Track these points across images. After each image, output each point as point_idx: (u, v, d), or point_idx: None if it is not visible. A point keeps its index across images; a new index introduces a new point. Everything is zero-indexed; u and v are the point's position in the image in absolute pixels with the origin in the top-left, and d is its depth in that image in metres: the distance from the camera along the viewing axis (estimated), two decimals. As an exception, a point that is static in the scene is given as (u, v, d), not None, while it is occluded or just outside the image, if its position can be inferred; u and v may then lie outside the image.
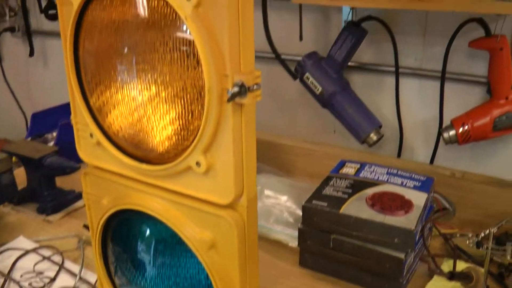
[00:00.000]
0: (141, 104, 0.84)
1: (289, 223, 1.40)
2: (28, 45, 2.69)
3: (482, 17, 1.46)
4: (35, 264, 1.31)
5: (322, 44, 1.82)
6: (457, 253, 1.26)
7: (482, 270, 1.15)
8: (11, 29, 2.73)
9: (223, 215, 0.84)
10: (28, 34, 2.68)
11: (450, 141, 1.52)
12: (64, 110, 2.02)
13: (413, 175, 1.37)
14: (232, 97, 0.72)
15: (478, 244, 1.25)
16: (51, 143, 1.93)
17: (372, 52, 1.75)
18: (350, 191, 1.29)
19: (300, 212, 1.30)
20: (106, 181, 0.99)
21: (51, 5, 2.52)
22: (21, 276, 1.27)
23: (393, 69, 1.68)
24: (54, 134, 1.99)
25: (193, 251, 0.87)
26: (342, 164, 1.45)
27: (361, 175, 1.37)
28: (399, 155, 1.76)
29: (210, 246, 0.86)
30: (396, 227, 1.15)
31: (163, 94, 0.80)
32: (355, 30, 1.60)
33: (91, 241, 1.05)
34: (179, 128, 0.82)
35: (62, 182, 1.61)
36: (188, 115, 0.79)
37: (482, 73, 1.58)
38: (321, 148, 1.67)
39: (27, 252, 1.35)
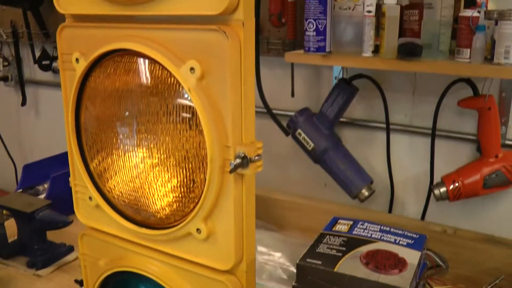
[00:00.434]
0: (142, 172, 0.85)
1: (283, 280, 1.40)
2: (20, 95, 2.71)
3: (470, 78, 1.50)
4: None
5: (313, 99, 1.85)
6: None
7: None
8: (4, 79, 2.75)
9: (222, 280, 0.84)
10: (21, 83, 2.70)
11: (441, 198, 1.54)
12: (56, 161, 2.02)
13: (405, 233, 1.38)
14: (235, 168, 0.74)
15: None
16: (43, 195, 1.93)
17: (363, 108, 1.78)
18: (344, 249, 1.29)
19: (293, 269, 1.30)
20: (103, 242, 0.99)
21: (45, 55, 2.55)
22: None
23: (384, 125, 1.71)
24: (46, 185, 1.99)
25: (192, 316, 0.87)
26: (335, 221, 1.46)
27: (354, 232, 1.38)
28: (390, 210, 1.77)
29: (209, 312, 0.86)
30: (391, 286, 1.16)
31: (165, 163, 0.82)
32: (346, 88, 1.64)
33: (86, 302, 1.04)
34: (180, 196, 0.83)
35: (53, 234, 1.60)
36: (190, 184, 0.81)
37: (471, 131, 1.61)
38: (313, 203, 1.68)
39: (17, 309, 1.34)
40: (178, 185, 0.82)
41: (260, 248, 1.48)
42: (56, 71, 2.54)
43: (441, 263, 1.39)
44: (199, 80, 0.76)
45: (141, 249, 0.93)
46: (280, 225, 1.71)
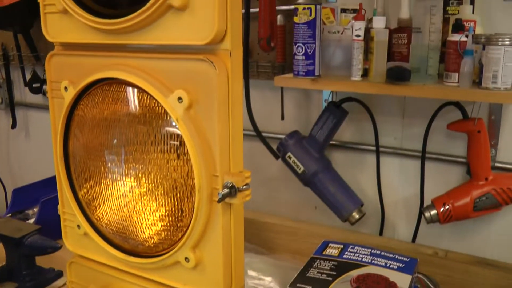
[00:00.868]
0: (131, 201, 0.85)
1: (273, 304, 1.39)
2: (10, 117, 2.70)
3: (459, 101, 1.50)
4: None
5: (303, 122, 1.86)
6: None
7: None
8: (-6, 101, 2.75)
9: (211, 309, 0.84)
10: (11, 106, 2.69)
11: (431, 221, 1.54)
12: (46, 185, 2.01)
13: (396, 256, 1.38)
14: (223, 198, 0.74)
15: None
16: (32, 220, 1.92)
17: (352, 131, 1.79)
18: (334, 273, 1.29)
19: (284, 294, 1.29)
20: (92, 270, 0.99)
21: (35, 78, 2.54)
22: None
23: (373, 148, 1.72)
24: (35, 209, 1.97)
25: None
26: (325, 245, 1.45)
27: (344, 256, 1.38)
28: (381, 232, 1.77)
29: None
30: (382, 312, 1.15)
31: (154, 192, 0.82)
32: (336, 111, 1.64)
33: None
34: (168, 224, 0.83)
35: (42, 259, 1.59)
36: (178, 213, 0.80)
37: (461, 153, 1.61)
38: (304, 226, 1.68)
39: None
40: (166, 214, 0.82)
41: (250, 273, 1.48)
42: (46, 94, 2.53)
43: (432, 287, 1.39)
44: (187, 109, 0.76)
45: (130, 277, 0.93)
46: (271, 248, 1.70)
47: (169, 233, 0.83)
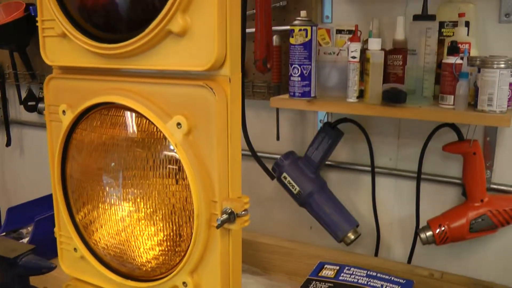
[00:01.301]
0: (129, 225, 0.85)
1: (269, 326, 1.39)
2: (5, 135, 2.69)
3: (454, 123, 1.51)
4: None
5: (298, 142, 1.86)
6: None
7: None
8: (-11, 119, 2.74)
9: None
10: (6, 124, 2.68)
11: (427, 242, 1.54)
12: (40, 204, 2.00)
13: (392, 278, 1.38)
14: (221, 224, 0.74)
15: None
16: (26, 239, 1.90)
17: (348, 151, 1.79)
18: (330, 295, 1.29)
19: (280, 316, 1.29)
20: (88, 294, 0.98)
21: (31, 96, 2.54)
22: None
23: (369, 168, 1.72)
24: (29, 228, 1.96)
25: None
26: (321, 266, 1.45)
27: (341, 277, 1.38)
28: (376, 253, 1.77)
29: None
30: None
31: (152, 217, 0.81)
32: (331, 132, 1.65)
33: None
34: (166, 249, 0.82)
35: (36, 279, 1.57)
36: (176, 238, 0.80)
37: (456, 174, 1.62)
38: (299, 247, 1.67)
39: None
40: (165, 239, 0.82)
41: (246, 294, 1.47)
42: (41, 112, 2.53)
43: (428, 309, 1.39)
44: (186, 135, 0.76)
45: (127, 302, 0.92)
46: (266, 269, 1.70)
47: (167, 257, 0.83)
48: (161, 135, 0.78)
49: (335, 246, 1.73)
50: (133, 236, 0.85)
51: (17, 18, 2.28)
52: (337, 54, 1.52)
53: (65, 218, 0.93)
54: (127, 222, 0.84)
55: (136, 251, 0.85)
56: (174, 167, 0.78)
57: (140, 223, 0.83)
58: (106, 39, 0.84)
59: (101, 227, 0.88)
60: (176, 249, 0.81)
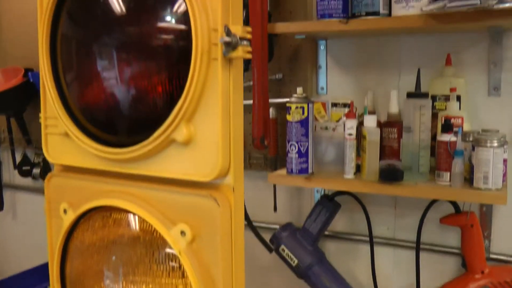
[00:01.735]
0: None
1: None
2: (-2, 199, 2.68)
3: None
4: None
5: (295, 212, 1.87)
6: None
7: None
8: (-18, 182, 2.73)
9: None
10: (-1, 188, 2.68)
11: (428, 315, 1.54)
12: (34, 275, 1.98)
13: None
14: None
15: None
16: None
17: (345, 221, 1.80)
18: None
19: None
20: None
21: (26, 161, 2.54)
22: None
23: (367, 238, 1.72)
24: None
25: None
26: None
27: None
28: (376, 324, 1.75)
29: None
30: None
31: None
32: (328, 204, 1.65)
33: None
34: None
35: None
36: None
37: (455, 244, 1.62)
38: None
39: None
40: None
41: None
42: (36, 177, 2.52)
43: None
44: (189, 243, 0.77)
45: None
46: None
47: None
48: (165, 241, 0.78)
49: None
50: None
51: (16, 85, 2.28)
52: (334, 130, 1.53)
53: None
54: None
55: None
56: (178, 273, 0.78)
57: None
58: (109, 142, 0.85)
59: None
60: None
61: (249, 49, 0.75)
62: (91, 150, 0.86)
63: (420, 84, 1.46)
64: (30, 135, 2.49)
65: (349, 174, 1.46)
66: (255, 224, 1.69)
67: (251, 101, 1.56)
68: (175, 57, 0.77)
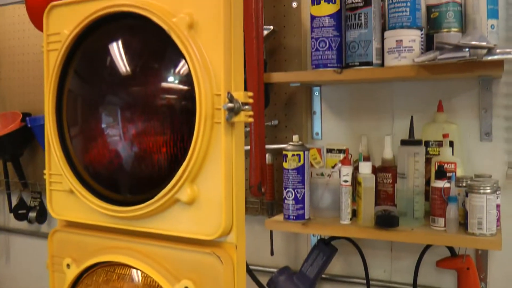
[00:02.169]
0: None
1: None
2: (-8, 243, 2.67)
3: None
4: None
5: (292, 255, 1.88)
6: None
7: None
8: (-23, 225, 2.72)
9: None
10: (-6, 231, 2.67)
11: None
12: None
13: None
14: None
15: None
16: None
17: (341, 263, 1.81)
18: None
19: None
20: None
21: (22, 205, 2.54)
22: None
23: (364, 281, 1.73)
24: None
25: None
26: None
27: None
28: None
29: None
30: None
31: None
32: (325, 249, 1.67)
33: None
34: None
35: None
36: None
37: (451, 286, 1.64)
38: None
39: None
40: None
41: None
42: (31, 221, 2.52)
43: None
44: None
45: None
46: None
47: None
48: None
49: None
50: None
51: (14, 130, 2.30)
52: (329, 176, 1.56)
53: None
54: None
55: None
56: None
57: None
58: (113, 199, 0.87)
59: None
60: None
61: (251, 113, 0.78)
62: (96, 208, 0.88)
63: (413, 131, 1.50)
64: (27, 179, 2.51)
65: (346, 220, 1.48)
66: (251, 267, 1.70)
67: (247, 147, 1.59)
68: (179, 120, 0.80)
